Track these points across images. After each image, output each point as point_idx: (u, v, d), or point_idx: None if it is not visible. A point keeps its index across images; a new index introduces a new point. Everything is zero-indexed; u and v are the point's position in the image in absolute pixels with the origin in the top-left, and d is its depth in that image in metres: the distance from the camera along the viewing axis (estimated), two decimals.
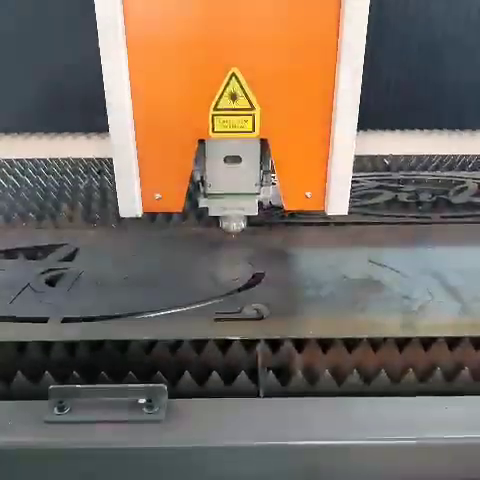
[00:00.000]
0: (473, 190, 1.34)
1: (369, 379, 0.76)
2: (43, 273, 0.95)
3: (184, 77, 0.79)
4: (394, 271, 0.95)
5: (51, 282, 0.93)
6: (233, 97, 0.79)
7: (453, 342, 0.79)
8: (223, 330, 0.80)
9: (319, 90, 0.80)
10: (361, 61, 0.77)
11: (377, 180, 1.39)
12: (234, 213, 0.96)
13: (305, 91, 0.80)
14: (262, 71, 0.78)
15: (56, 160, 1.56)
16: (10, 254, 1.03)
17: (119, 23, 0.74)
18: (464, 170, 1.50)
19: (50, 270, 0.96)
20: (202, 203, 0.94)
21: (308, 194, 0.87)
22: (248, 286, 0.91)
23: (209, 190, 0.91)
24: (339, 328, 0.80)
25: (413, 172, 1.48)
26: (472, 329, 0.79)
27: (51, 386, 0.68)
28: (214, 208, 0.94)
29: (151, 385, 0.69)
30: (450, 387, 0.75)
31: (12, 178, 1.44)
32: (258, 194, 0.94)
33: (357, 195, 1.27)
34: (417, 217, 1.20)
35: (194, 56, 0.77)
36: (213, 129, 0.81)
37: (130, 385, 0.70)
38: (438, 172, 1.48)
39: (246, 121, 0.81)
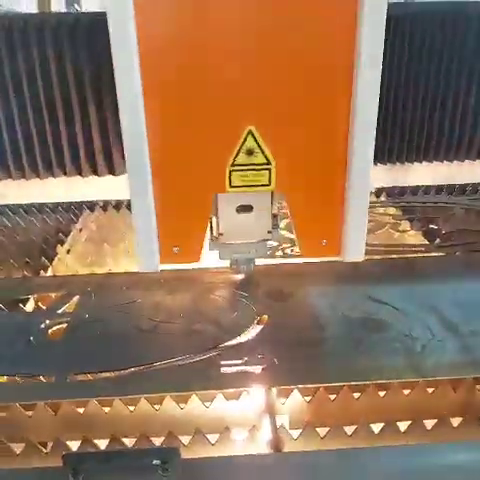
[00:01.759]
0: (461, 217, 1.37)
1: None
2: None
3: (202, 134, 0.80)
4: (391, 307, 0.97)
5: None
6: (250, 153, 0.80)
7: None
8: (229, 382, 0.80)
9: (334, 143, 0.82)
10: (374, 114, 0.79)
11: None
12: (244, 257, 0.97)
13: (320, 144, 0.82)
14: (278, 127, 0.80)
15: None
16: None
17: (136, 78, 0.75)
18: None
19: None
20: (212, 247, 0.95)
21: (324, 241, 0.89)
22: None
23: (222, 239, 0.92)
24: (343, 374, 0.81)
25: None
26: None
27: (65, 453, 0.68)
28: (224, 253, 0.95)
29: (164, 447, 0.69)
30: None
31: None
32: (269, 239, 0.95)
33: None
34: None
35: (211, 113, 0.79)
36: (230, 184, 0.83)
37: (143, 448, 0.70)
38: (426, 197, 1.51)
39: (263, 175, 0.82)
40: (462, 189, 1.55)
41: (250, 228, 0.91)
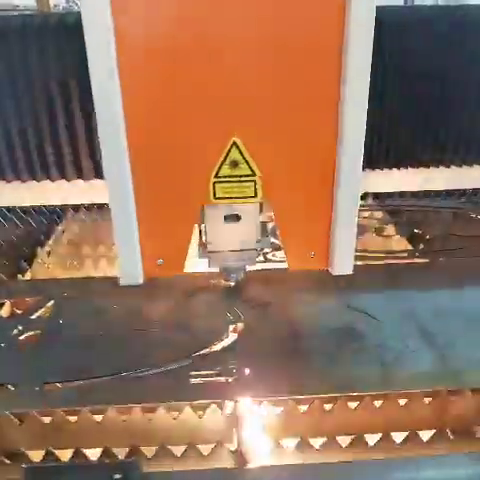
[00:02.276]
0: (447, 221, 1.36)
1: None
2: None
3: (185, 145, 0.79)
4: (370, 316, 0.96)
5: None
6: (234, 164, 0.79)
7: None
8: (197, 393, 0.79)
9: (321, 154, 0.80)
10: (363, 125, 0.77)
11: None
12: (234, 265, 0.96)
13: (307, 156, 0.81)
14: (263, 138, 0.79)
15: None
16: None
17: (116, 88, 0.74)
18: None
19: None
20: (201, 255, 0.94)
21: (312, 253, 0.87)
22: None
23: (209, 248, 0.91)
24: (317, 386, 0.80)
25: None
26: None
27: (25, 466, 0.67)
28: (214, 261, 0.94)
29: (125, 461, 0.68)
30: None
31: None
32: (257, 248, 0.93)
33: None
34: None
35: (195, 125, 0.77)
36: (214, 195, 0.81)
37: (104, 462, 0.69)
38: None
39: (248, 187, 0.81)
40: (451, 193, 1.53)
41: (238, 237, 0.90)
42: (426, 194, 1.53)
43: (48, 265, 1.22)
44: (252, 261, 0.94)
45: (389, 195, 1.53)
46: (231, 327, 0.94)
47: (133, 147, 0.79)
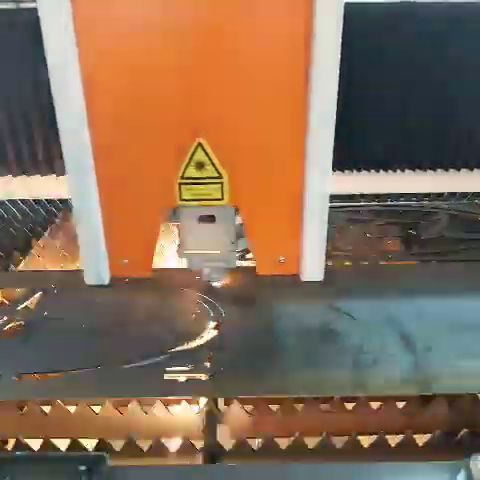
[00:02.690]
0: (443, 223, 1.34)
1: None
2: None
3: (149, 146, 0.78)
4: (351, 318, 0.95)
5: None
6: (200, 166, 0.78)
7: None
8: (172, 389, 0.80)
9: (288, 155, 0.79)
10: (332, 125, 0.76)
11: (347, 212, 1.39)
12: (213, 266, 0.96)
13: (274, 157, 0.79)
14: (229, 140, 0.77)
15: None
16: None
17: (79, 93, 0.73)
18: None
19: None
20: (180, 254, 0.93)
21: (282, 258, 0.86)
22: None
23: (185, 248, 0.90)
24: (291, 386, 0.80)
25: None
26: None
27: None
28: (191, 261, 0.93)
29: (91, 453, 0.69)
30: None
31: None
32: (235, 249, 0.93)
33: None
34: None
35: (159, 125, 0.76)
36: (180, 197, 0.81)
37: (71, 453, 0.70)
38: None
39: (214, 189, 0.80)
40: (450, 195, 1.51)
41: (213, 238, 0.89)
42: (426, 195, 1.51)
43: (41, 257, 1.24)
44: (231, 263, 0.93)
45: (387, 196, 1.52)
46: (211, 324, 0.95)
47: (96, 146, 0.78)
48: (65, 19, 0.69)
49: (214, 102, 0.75)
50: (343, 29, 0.71)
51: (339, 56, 0.73)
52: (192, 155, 0.77)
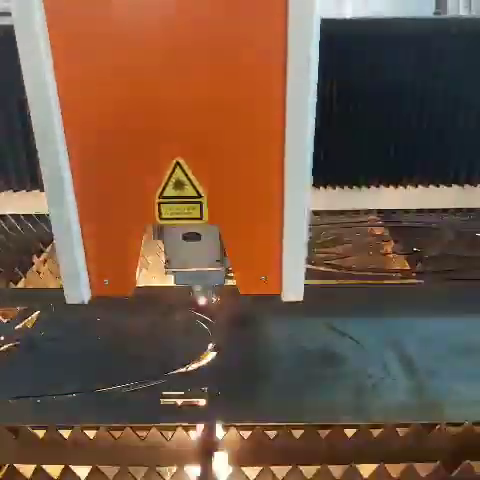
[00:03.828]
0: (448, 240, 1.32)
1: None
2: None
3: (128, 165, 0.77)
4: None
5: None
6: (179, 185, 0.77)
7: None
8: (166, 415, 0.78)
9: (267, 175, 0.77)
10: (309, 144, 0.75)
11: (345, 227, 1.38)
12: (200, 283, 0.95)
13: (253, 177, 0.78)
14: (208, 159, 0.76)
15: None
16: None
17: (56, 111, 0.72)
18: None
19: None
20: (167, 271, 0.92)
21: (263, 278, 0.85)
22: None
23: (171, 266, 0.89)
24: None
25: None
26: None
27: None
28: (178, 279, 0.92)
29: None
30: None
31: None
32: (221, 267, 0.91)
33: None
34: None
35: (137, 144, 0.75)
36: (160, 216, 0.80)
37: None
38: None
39: (193, 209, 0.79)
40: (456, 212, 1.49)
41: (198, 256, 0.88)
42: (431, 211, 1.50)
43: (41, 274, 1.23)
44: (218, 280, 0.92)
45: (392, 212, 1.50)
46: (210, 346, 0.93)
47: (75, 164, 0.76)
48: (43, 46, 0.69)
49: (193, 122, 0.74)
50: None
51: (315, 71, 0.72)
52: (171, 174, 0.77)
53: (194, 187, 0.77)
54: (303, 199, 0.77)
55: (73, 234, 0.79)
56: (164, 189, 0.77)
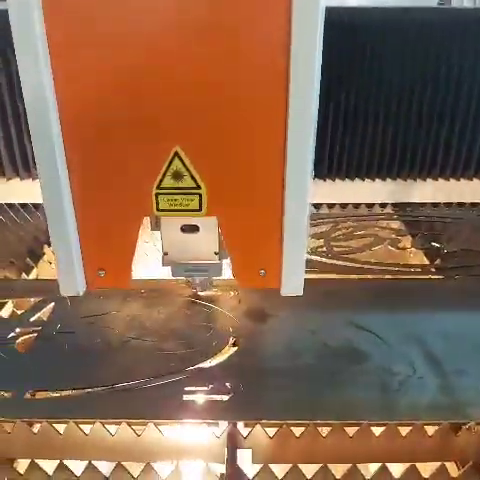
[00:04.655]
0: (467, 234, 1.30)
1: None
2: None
3: (124, 154, 0.74)
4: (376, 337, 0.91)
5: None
6: (177, 176, 0.75)
7: None
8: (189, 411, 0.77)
9: (268, 166, 0.75)
10: (311, 135, 0.72)
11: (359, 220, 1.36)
12: (198, 276, 0.93)
13: (254, 168, 0.75)
14: (207, 149, 0.74)
15: None
16: None
17: (51, 100, 0.69)
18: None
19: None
20: (164, 263, 0.90)
21: (262, 272, 0.83)
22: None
23: (168, 258, 0.88)
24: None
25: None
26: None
27: None
28: (176, 271, 0.90)
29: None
30: None
31: None
32: (220, 259, 0.89)
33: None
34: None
35: (134, 133, 0.73)
36: (157, 207, 0.78)
37: None
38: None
39: (192, 200, 0.77)
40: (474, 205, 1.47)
41: (196, 248, 0.86)
42: (447, 205, 1.47)
43: (53, 264, 1.20)
44: (217, 273, 0.90)
45: (407, 205, 1.48)
46: (231, 340, 0.91)
47: (70, 154, 0.73)
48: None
49: (193, 113, 0.72)
50: None
51: (319, 63, 0.69)
52: (169, 164, 0.74)
53: (193, 178, 0.75)
54: (304, 192, 0.75)
55: (68, 225, 0.77)
56: (162, 179, 0.75)
